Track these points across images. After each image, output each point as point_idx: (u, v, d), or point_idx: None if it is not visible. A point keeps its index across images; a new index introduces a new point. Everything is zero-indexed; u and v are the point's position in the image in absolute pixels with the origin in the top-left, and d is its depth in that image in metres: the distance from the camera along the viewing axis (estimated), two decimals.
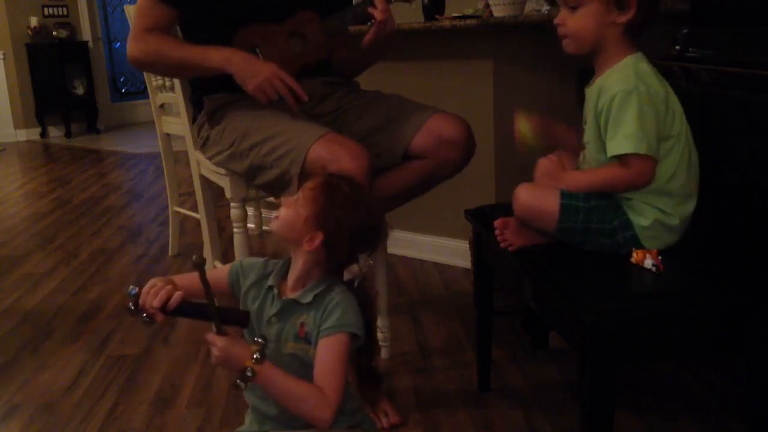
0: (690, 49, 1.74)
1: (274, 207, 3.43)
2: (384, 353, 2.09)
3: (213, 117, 2.01)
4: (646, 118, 1.35)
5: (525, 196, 1.47)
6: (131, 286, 1.23)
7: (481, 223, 1.73)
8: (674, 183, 1.41)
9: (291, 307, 1.30)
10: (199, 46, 1.87)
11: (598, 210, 1.42)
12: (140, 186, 4.94)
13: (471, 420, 1.80)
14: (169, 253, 3.24)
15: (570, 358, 2.01)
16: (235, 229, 2.02)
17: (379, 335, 2.06)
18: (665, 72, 1.44)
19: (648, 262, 1.34)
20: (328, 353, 1.25)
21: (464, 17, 2.53)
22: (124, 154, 6.33)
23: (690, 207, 1.44)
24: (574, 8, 1.41)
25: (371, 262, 1.98)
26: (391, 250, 2.61)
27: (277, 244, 3.26)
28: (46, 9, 7.47)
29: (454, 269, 2.85)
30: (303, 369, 1.26)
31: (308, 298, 1.28)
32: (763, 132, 1.38)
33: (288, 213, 1.29)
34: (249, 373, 1.17)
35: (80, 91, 7.52)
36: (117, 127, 8.00)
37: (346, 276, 1.36)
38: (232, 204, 2.01)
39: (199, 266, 1.18)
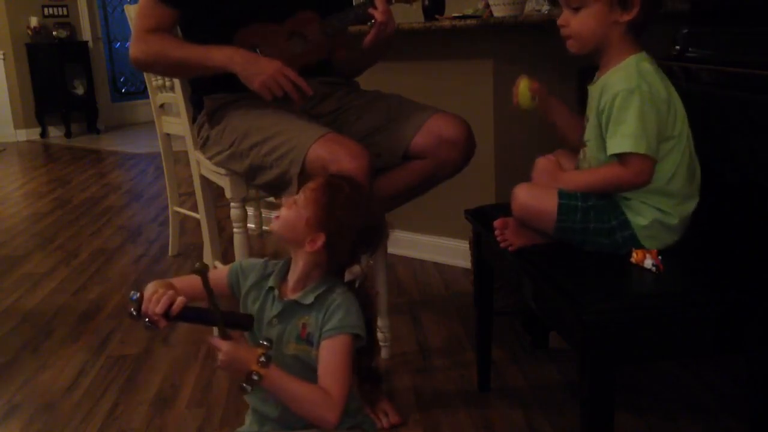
0: (690, 49, 1.74)
1: (274, 207, 3.43)
2: (384, 353, 2.09)
3: (213, 117, 2.01)
4: (647, 117, 1.35)
5: (523, 195, 1.47)
6: (132, 291, 1.22)
7: (481, 223, 1.73)
8: (674, 183, 1.41)
9: (292, 309, 1.29)
10: (200, 45, 1.87)
11: (597, 209, 1.42)
12: (140, 186, 4.94)
13: (471, 420, 1.80)
14: (169, 253, 3.24)
15: (570, 358, 2.01)
16: (235, 229, 2.02)
17: (379, 335, 2.05)
18: (665, 72, 1.44)
19: (648, 262, 1.34)
20: (331, 354, 1.25)
21: (464, 17, 2.53)
22: (124, 154, 6.33)
23: (690, 207, 1.44)
24: (576, 9, 1.41)
25: (371, 262, 1.98)
26: (391, 250, 2.61)
27: (277, 244, 3.26)
28: (46, 9, 7.47)
29: (454, 269, 2.85)
30: (304, 370, 1.26)
31: (310, 300, 1.28)
32: (763, 132, 1.38)
33: (289, 214, 1.28)
34: (255, 377, 1.17)
35: (80, 91, 7.52)
36: (117, 127, 8.00)
37: (347, 276, 1.36)
38: (232, 204, 2.01)
39: (202, 273, 1.18)
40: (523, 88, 1.59)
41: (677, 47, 1.77)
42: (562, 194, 1.42)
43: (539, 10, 2.51)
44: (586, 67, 1.97)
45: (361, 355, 1.41)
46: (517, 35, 2.52)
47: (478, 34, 2.57)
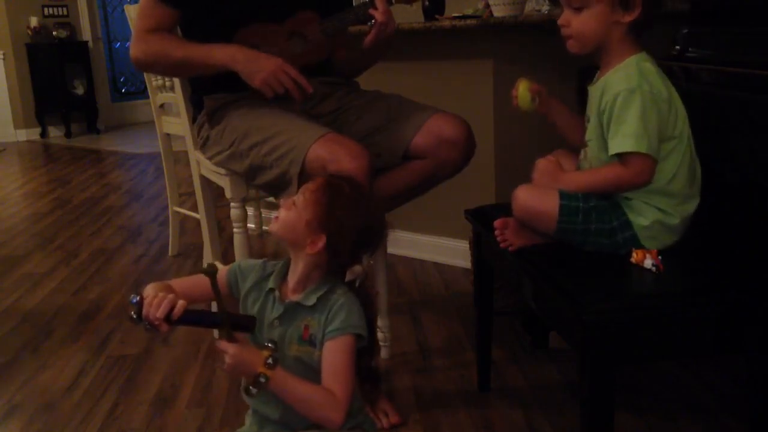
0: (690, 49, 1.74)
1: (274, 207, 3.43)
2: (384, 353, 2.09)
3: (213, 117, 2.01)
4: (649, 117, 1.35)
5: (524, 197, 1.46)
6: (132, 295, 1.21)
7: (481, 223, 1.73)
8: (675, 183, 1.41)
9: (294, 310, 1.29)
10: (201, 44, 1.87)
11: (597, 210, 1.42)
12: (140, 186, 4.94)
13: (471, 420, 1.80)
14: (169, 253, 3.24)
15: (570, 358, 2.01)
16: (235, 229, 2.03)
17: (379, 335, 2.05)
18: (665, 72, 1.44)
19: (648, 262, 1.34)
20: (335, 355, 1.25)
21: (464, 17, 2.53)
22: (124, 154, 6.33)
23: (691, 207, 1.44)
24: (578, 9, 1.41)
25: (371, 262, 1.98)
26: (391, 250, 2.61)
27: (277, 245, 3.26)
28: (46, 9, 7.47)
29: (454, 269, 2.85)
30: (306, 371, 1.26)
31: (312, 301, 1.28)
32: (763, 132, 1.38)
33: (288, 215, 1.28)
34: (262, 379, 1.16)
35: (80, 91, 7.52)
36: (117, 127, 8.00)
37: (348, 276, 1.36)
38: (232, 204, 2.01)
39: (211, 274, 1.18)
40: (522, 89, 1.59)
41: (677, 47, 1.77)
42: (563, 195, 1.42)
43: (539, 10, 2.51)
44: (585, 67, 1.97)
45: (362, 355, 1.41)
46: (517, 35, 2.52)
47: (478, 34, 2.57)
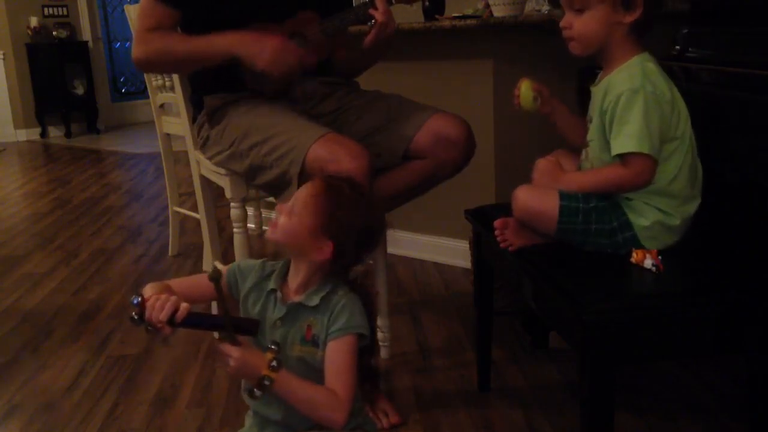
0: (690, 49, 1.74)
1: (274, 207, 3.44)
2: (384, 353, 2.09)
3: (213, 117, 2.01)
4: (651, 118, 1.35)
5: (524, 197, 1.46)
6: (133, 296, 1.20)
7: (481, 223, 1.73)
8: (677, 184, 1.41)
9: (297, 311, 1.29)
10: (202, 36, 1.86)
11: (598, 211, 1.42)
12: (140, 186, 4.94)
13: (471, 420, 1.80)
14: (169, 253, 3.24)
15: (570, 358, 2.01)
16: (235, 229, 2.03)
17: (379, 335, 2.05)
18: (665, 72, 1.44)
19: (648, 262, 1.34)
20: (338, 355, 1.25)
21: (464, 17, 2.53)
22: (124, 154, 6.33)
23: (692, 208, 1.44)
24: (579, 11, 1.41)
25: (371, 262, 1.98)
26: (391, 250, 2.61)
27: (277, 244, 3.26)
28: (46, 9, 7.47)
29: (454, 269, 2.85)
30: (309, 372, 1.26)
31: (315, 301, 1.27)
32: (763, 132, 1.38)
33: (290, 224, 1.26)
34: (267, 382, 1.16)
35: (80, 91, 7.52)
36: (117, 127, 8.00)
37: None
38: (232, 204, 2.01)
39: (216, 280, 1.17)
40: (525, 89, 1.59)
41: (677, 47, 1.77)
42: (564, 196, 1.42)
43: (539, 10, 2.51)
44: (585, 68, 1.97)
45: (362, 354, 1.41)
46: (517, 35, 2.52)
47: (478, 34, 2.57)
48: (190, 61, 1.92)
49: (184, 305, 1.17)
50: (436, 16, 2.62)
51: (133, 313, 1.18)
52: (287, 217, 1.26)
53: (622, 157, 1.38)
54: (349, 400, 1.23)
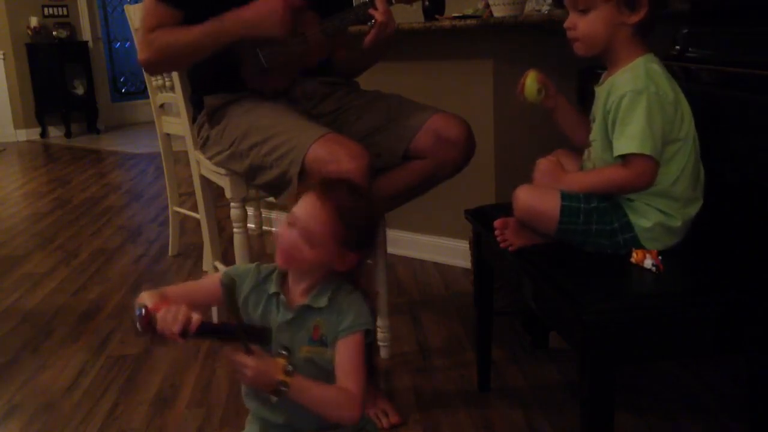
0: (690, 49, 1.74)
1: (275, 207, 3.44)
2: (384, 353, 2.09)
3: (213, 117, 2.01)
4: (654, 119, 1.34)
5: (525, 197, 1.46)
6: (138, 307, 1.17)
7: (481, 223, 1.73)
8: (678, 186, 1.40)
9: (304, 313, 1.28)
10: (207, 23, 1.83)
11: (599, 211, 1.42)
12: (140, 186, 4.94)
13: (471, 420, 1.80)
14: (169, 253, 3.24)
15: (570, 358, 2.01)
16: (235, 229, 2.02)
17: (379, 335, 2.06)
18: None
19: (648, 262, 1.34)
20: (348, 353, 1.25)
21: (464, 17, 2.53)
22: (124, 154, 6.33)
23: (693, 210, 1.44)
24: (584, 11, 1.41)
25: (370, 261, 1.98)
26: (391, 250, 2.61)
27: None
28: (46, 9, 7.47)
29: (454, 269, 2.85)
30: (318, 372, 1.25)
31: (323, 302, 1.27)
32: (763, 132, 1.38)
33: (317, 254, 1.23)
34: (283, 388, 1.16)
35: (80, 91, 7.52)
36: (117, 127, 8.00)
37: None
38: (232, 204, 2.01)
39: (229, 286, 1.17)
40: (530, 81, 1.59)
41: (677, 47, 1.77)
42: (565, 196, 1.42)
43: (539, 10, 2.51)
44: (586, 68, 1.97)
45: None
46: (517, 35, 2.52)
47: (478, 34, 2.57)
48: (199, 48, 1.88)
49: (196, 316, 1.15)
50: (436, 16, 2.62)
51: (138, 325, 1.16)
52: (310, 247, 1.23)
53: (624, 158, 1.37)
54: (362, 396, 1.23)
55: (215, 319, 2.21)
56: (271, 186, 1.85)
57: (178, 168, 3.32)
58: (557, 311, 1.36)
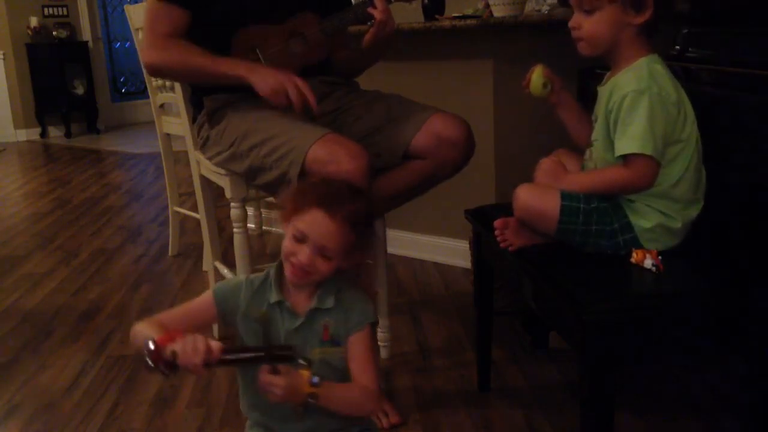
0: (690, 49, 1.74)
1: (275, 207, 3.44)
2: (384, 353, 2.09)
3: (213, 117, 2.01)
4: (656, 119, 1.34)
5: (525, 196, 1.46)
6: (147, 341, 1.12)
7: (481, 223, 1.73)
8: (680, 187, 1.40)
9: (313, 316, 1.28)
10: (222, 57, 1.85)
11: (599, 212, 1.42)
12: (140, 186, 4.94)
13: (471, 420, 1.80)
14: (169, 253, 3.25)
15: (570, 358, 2.01)
16: (235, 229, 2.02)
17: (379, 335, 2.06)
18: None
19: (648, 262, 1.34)
20: (360, 348, 1.27)
21: (464, 17, 2.53)
22: (124, 154, 6.33)
23: (694, 212, 1.44)
24: (589, 12, 1.40)
25: (371, 261, 1.98)
26: (391, 250, 2.61)
27: (277, 245, 3.26)
28: (46, 9, 7.47)
29: (454, 269, 2.85)
30: (332, 372, 1.24)
31: (330, 303, 1.27)
32: (762, 132, 1.38)
33: (331, 265, 1.24)
34: (312, 399, 1.16)
35: (80, 91, 7.52)
36: (117, 127, 8.00)
37: None
38: (232, 204, 2.01)
39: (265, 323, 1.18)
40: (536, 75, 1.58)
41: (677, 47, 1.77)
42: (565, 196, 1.42)
43: (539, 10, 2.51)
44: (586, 68, 1.97)
45: None
46: (517, 35, 2.52)
47: (478, 34, 2.57)
48: (205, 76, 1.92)
49: (216, 344, 1.13)
50: (436, 16, 2.62)
51: (148, 360, 1.12)
52: (324, 261, 1.23)
53: (625, 158, 1.37)
54: (377, 387, 1.26)
55: (215, 333, 2.22)
56: (271, 186, 1.85)
57: (178, 168, 3.31)
58: (557, 311, 1.36)
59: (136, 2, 1.98)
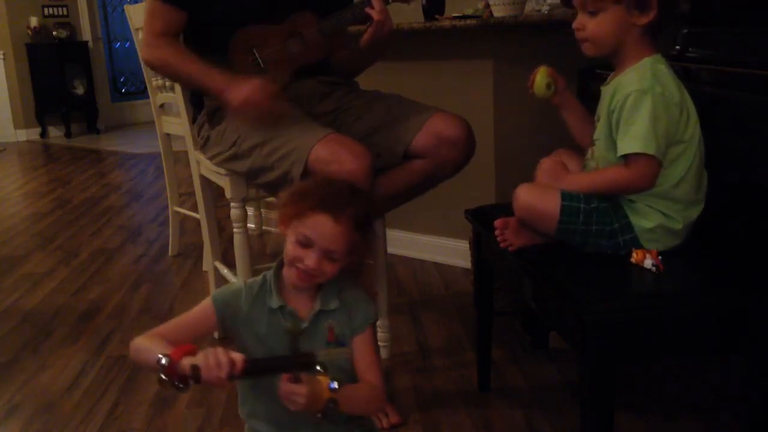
0: (690, 49, 1.74)
1: (275, 207, 3.43)
2: (384, 353, 2.09)
3: (213, 117, 2.01)
4: (659, 119, 1.34)
5: (525, 196, 1.46)
6: (160, 357, 1.12)
7: (481, 223, 1.73)
8: (681, 188, 1.40)
9: (318, 318, 1.28)
10: (207, 66, 1.86)
11: (599, 212, 1.42)
12: (140, 186, 4.94)
13: (471, 420, 1.80)
14: (169, 253, 3.24)
15: (570, 358, 2.01)
16: (235, 229, 2.02)
17: (379, 335, 2.06)
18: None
19: (648, 262, 1.34)
20: (366, 347, 1.28)
21: (464, 17, 2.53)
22: (124, 154, 6.33)
23: (695, 213, 1.43)
24: (593, 13, 1.40)
25: (371, 262, 1.98)
26: (391, 250, 2.61)
27: (277, 245, 3.26)
28: (46, 9, 7.47)
29: (454, 269, 2.85)
30: (337, 373, 1.23)
31: (335, 304, 1.27)
32: (762, 132, 1.38)
33: (336, 266, 1.24)
34: (332, 404, 1.15)
35: (80, 91, 7.52)
36: (117, 127, 8.00)
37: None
38: (232, 204, 2.01)
39: (295, 336, 1.19)
40: (540, 76, 1.58)
41: (677, 47, 1.77)
42: (565, 195, 1.42)
43: (539, 10, 2.51)
44: (586, 68, 1.97)
45: None
46: (517, 35, 2.52)
47: (478, 34, 2.57)
48: (190, 84, 2.02)
49: (238, 356, 1.12)
50: (436, 16, 2.62)
51: (163, 375, 1.11)
52: (331, 263, 1.23)
53: (627, 158, 1.37)
54: (383, 384, 1.28)
55: (215, 334, 2.21)
56: (273, 186, 1.85)
57: (178, 168, 3.31)
58: (557, 311, 1.36)
59: (136, 2, 1.99)
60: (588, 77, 1.97)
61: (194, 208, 2.90)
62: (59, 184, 5.03)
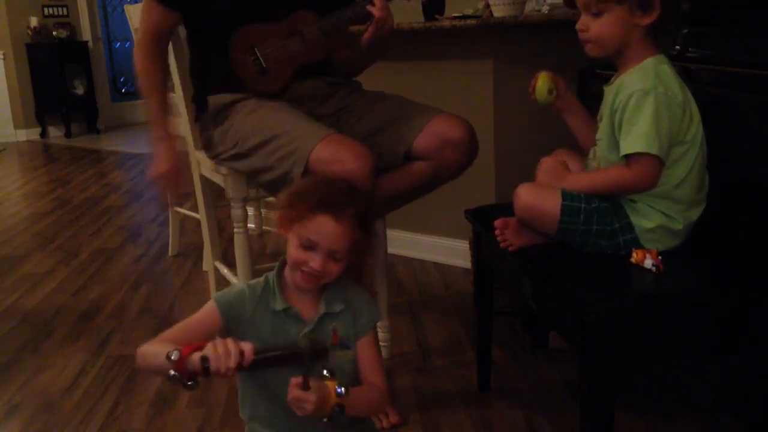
0: (690, 49, 1.74)
1: (275, 207, 3.44)
2: (384, 353, 2.09)
3: (216, 117, 2.01)
4: (661, 119, 1.34)
5: (526, 195, 1.46)
6: (171, 351, 1.11)
7: (481, 223, 1.73)
8: (683, 189, 1.40)
9: (323, 320, 1.27)
10: (159, 108, 1.99)
11: (600, 212, 1.42)
12: (140, 186, 4.94)
13: (471, 420, 1.80)
14: (169, 253, 3.24)
15: (570, 358, 2.01)
16: (235, 229, 2.02)
17: (379, 335, 2.05)
18: None
19: (648, 262, 1.34)
20: (369, 350, 1.29)
21: (464, 17, 2.53)
22: (124, 154, 6.33)
23: (696, 214, 1.43)
24: (596, 14, 1.40)
25: (371, 262, 1.97)
26: (391, 250, 2.62)
27: (277, 245, 3.26)
28: (46, 9, 7.47)
29: (454, 269, 2.85)
30: (342, 375, 1.23)
31: (339, 306, 1.27)
32: (762, 132, 1.38)
33: (341, 265, 1.24)
34: (338, 409, 1.15)
35: (80, 91, 7.52)
36: (117, 127, 8.00)
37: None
38: (232, 204, 2.01)
39: (315, 343, 1.15)
40: (541, 82, 1.58)
41: (677, 47, 1.77)
42: (565, 195, 1.42)
43: (539, 10, 2.51)
44: (586, 68, 1.97)
45: None
46: (517, 35, 2.52)
47: (478, 34, 2.57)
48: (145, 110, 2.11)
49: (248, 346, 1.12)
50: (436, 16, 2.62)
51: (172, 370, 1.10)
52: (335, 263, 1.23)
53: (629, 158, 1.37)
54: (386, 385, 1.29)
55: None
56: (274, 185, 1.84)
57: None
58: (557, 311, 1.36)
59: (136, 2, 1.99)
60: (588, 77, 1.97)
61: (194, 208, 2.90)
62: (59, 184, 5.03)
